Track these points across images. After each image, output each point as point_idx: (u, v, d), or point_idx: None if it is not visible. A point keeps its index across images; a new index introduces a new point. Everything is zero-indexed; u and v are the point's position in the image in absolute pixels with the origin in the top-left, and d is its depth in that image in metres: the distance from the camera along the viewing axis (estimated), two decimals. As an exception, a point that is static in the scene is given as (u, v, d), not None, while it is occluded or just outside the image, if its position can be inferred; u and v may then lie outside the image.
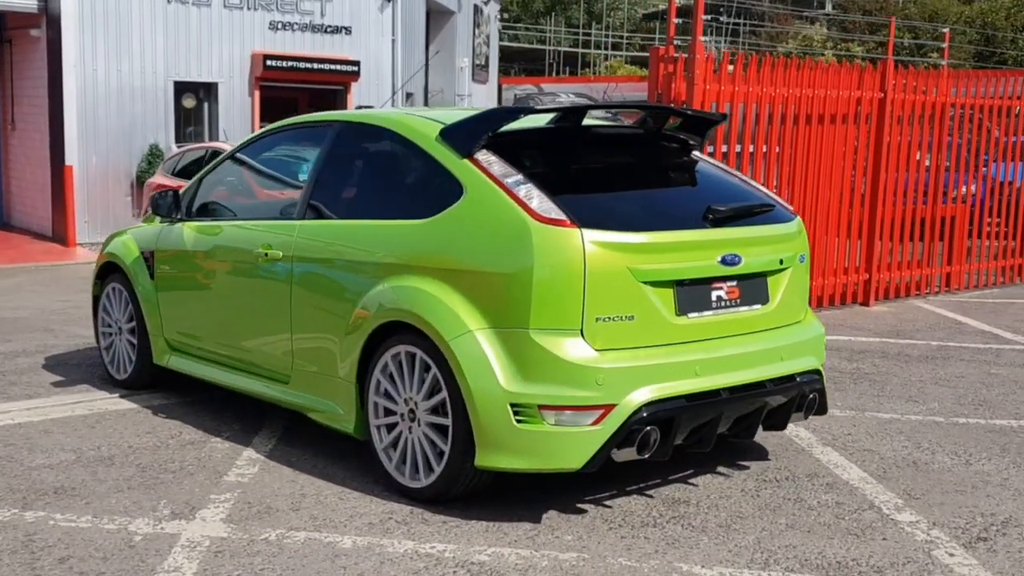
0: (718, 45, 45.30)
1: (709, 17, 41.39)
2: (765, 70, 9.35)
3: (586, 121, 4.94)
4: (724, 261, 4.59)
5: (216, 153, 12.96)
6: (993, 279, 11.91)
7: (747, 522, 4.47)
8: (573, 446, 4.25)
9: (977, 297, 11.17)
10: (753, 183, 5.36)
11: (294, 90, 17.56)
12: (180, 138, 16.25)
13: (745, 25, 48.69)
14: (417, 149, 4.87)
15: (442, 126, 4.83)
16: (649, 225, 4.46)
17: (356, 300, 4.85)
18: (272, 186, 6.09)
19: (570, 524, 4.40)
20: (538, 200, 4.35)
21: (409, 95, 19.91)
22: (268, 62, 16.61)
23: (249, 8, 16.63)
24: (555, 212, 4.31)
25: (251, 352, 5.62)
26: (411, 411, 4.63)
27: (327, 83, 17.60)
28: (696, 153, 5.40)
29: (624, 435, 4.26)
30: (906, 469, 5.25)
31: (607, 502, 4.67)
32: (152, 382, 6.55)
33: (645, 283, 4.37)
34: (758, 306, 4.80)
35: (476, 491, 4.56)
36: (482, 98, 27.40)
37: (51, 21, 15.28)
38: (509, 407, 4.25)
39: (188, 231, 6.07)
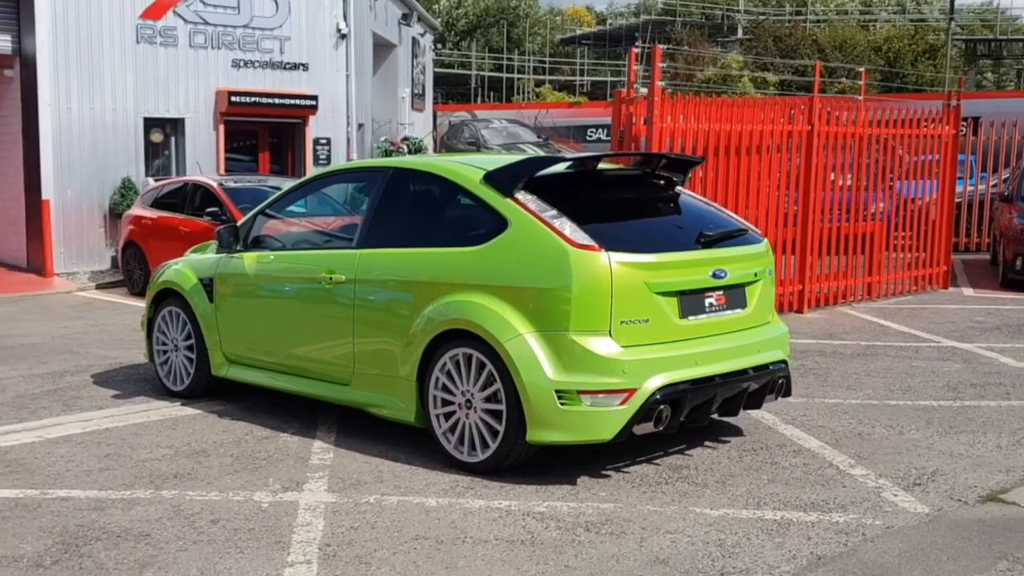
0: (639, 70, 47.13)
1: (629, 42, 43.16)
2: (711, 108, 10.70)
3: (603, 166, 6.16)
4: (714, 275, 5.85)
5: (196, 185, 13.91)
6: (907, 287, 13.44)
7: (738, 479, 5.71)
8: (605, 422, 5.45)
9: (895, 304, 12.66)
10: (727, 212, 6.64)
11: (256, 124, 18.52)
12: (149, 171, 17.08)
13: (666, 48, 50.69)
14: (464, 191, 6.03)
15: (484, 171, 6.00)
16: (658, 247, 5.70)
17: (415, 314, 5.98)
18: (327, 220, 7.18)
19: (600, 485, 5.59)
20: (571, 229, 5.55)
21: (360, 125, 20.96)
22: (232, 98, 17.55)
23: (213, 47, 17.56)
24: (587, 239, 5.51)
25: (312, 360, 6.69)
26: (468, 401, 5.77)
27: (287, 117, 18.61)
28: (679, 188, 6.66)
29: (644, 412, 5.47)
30: (854, 439, 6.55)
31: (625, 469, 5.86)
32: (206, 392, 7.55)
33: (657, 293, 5.60)
34: (739, 310, 6.06)
35: (521, 464, 5.71)
36: (420, 125, 28.56)
37: (25, 62, 16.03)
38: (554, 392, 5.43)
39: (250, 260, 7.12)
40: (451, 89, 53.57)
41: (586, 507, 5.23)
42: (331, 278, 6.47)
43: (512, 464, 5.69)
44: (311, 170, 18.75)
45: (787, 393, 6.41)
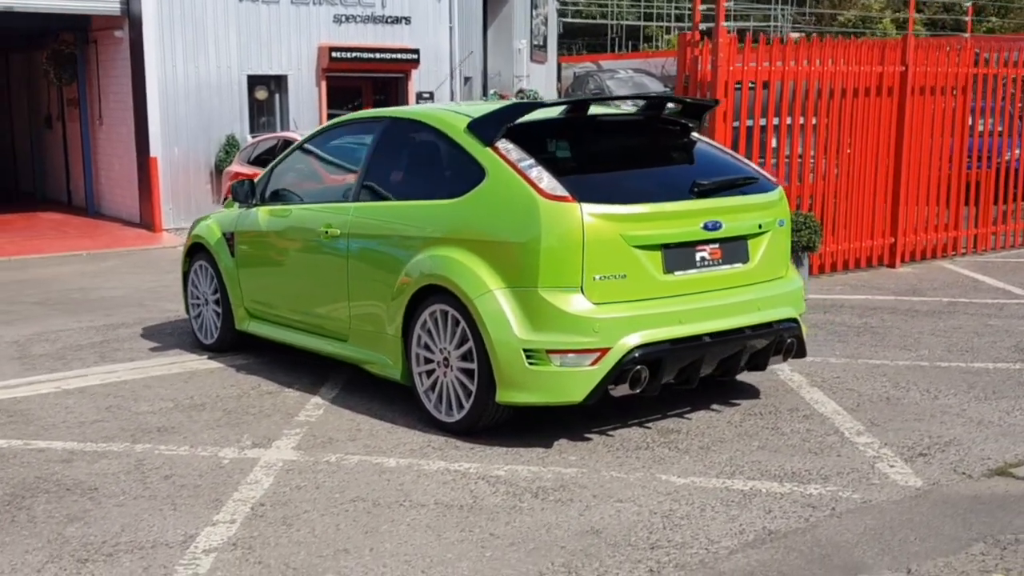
0: (783, 12, 45.38)
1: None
2: (787, 50, 10.07)
3: (592, 111, 5.81)
4: (706, 227, 5.45)
5: (288, 142, 14.03)
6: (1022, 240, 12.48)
7: (725, 445, 5.35)
8: (575, 383, 5.16)
9: (1002, 258, 11.76)
10: (741, 160, 6.18)
11: (358, 79, 18.61)
12: (254, 129, 17.40)
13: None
14: (449, 140, 5.79)
15: (470, 119, 5.74)
16: (639, 198, 5.34)
17: (400, 269, 5.80)
18: (333, 173, 7.07)
19: (576, 448, 5.32)
20: (546, 180, 5.25)
21: (467, 79, 20.83)
22: (333, 54, 17.66)
23: (315, 3, 17.68)
24: (560, 190, 5.20)
25: (317, 316, 6.61)
26: (445, 359, 5.57)
27: (388, 72, 18.62)
28: (695, 135, 6.24)
29: (618, 373, 5.16)
30: (878, 403, 6.06)
31: (610, 432, 5.57)
32: (234, 345, 7.59)
33: (635, 247, 5.25)
34: (739, 264, 5.65)
35: (500, 424, 5.49)
36: (541, 78, 28.21)
37: (133, 23, 16.50)
38: (522, 352, 5.18)
39: (263, 214, 7.09)
40: (592, 40, 52.81)
41: (548, 471, 4.99)
42: (327, 232, 6.36)
43: (487, 425, 5.48)
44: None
45: (799, 354, 5.97)
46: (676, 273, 5.41)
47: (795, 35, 9.82)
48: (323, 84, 17.92)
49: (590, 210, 5.17)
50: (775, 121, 10.22)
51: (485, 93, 22.43)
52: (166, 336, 8.34)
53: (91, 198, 18.88)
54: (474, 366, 5.38)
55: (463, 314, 5.41)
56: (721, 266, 5.58)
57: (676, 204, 5.43)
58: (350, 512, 4.51)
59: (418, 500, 4.64)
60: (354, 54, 17.93)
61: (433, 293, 5.61)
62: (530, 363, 5.18)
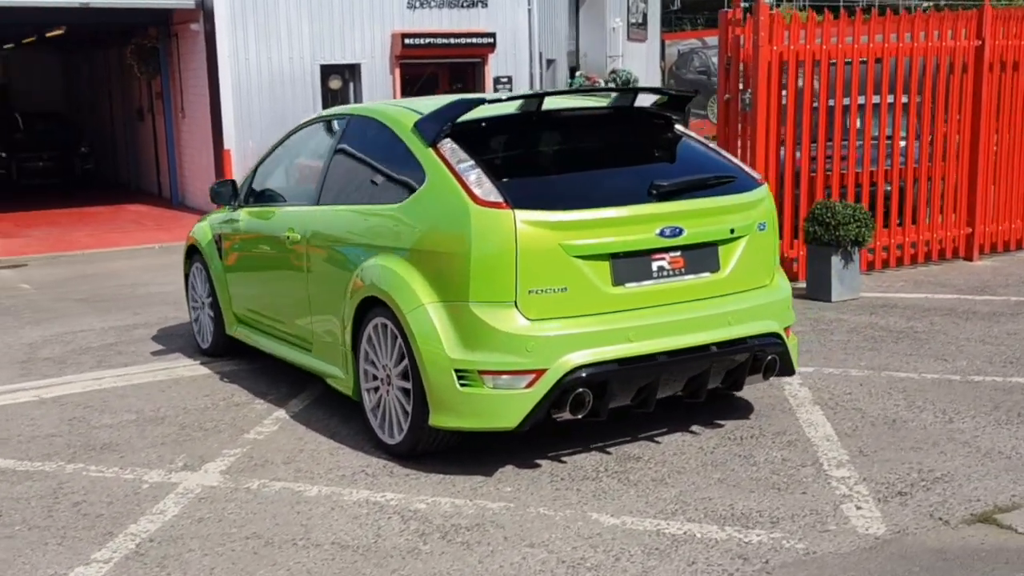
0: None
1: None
2: (840, 26, 9.29)
3: (551, 105, 5.30)
4: (663, 233, 4.90)
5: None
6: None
7: (682, 477, 4.81)
8: (509, 407, 4.70)
9: (1098, 247, 10.69)
10: (724, 156, 5.58)
11: (433, 65, 18.31)
12: (328, 118, 17.29)
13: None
14: (398, 139, 5.38)
15: (418, 117, 5.31)
16: (584, 203, 4.82)
17: (349, 278, 5.43)
18: (301, 174, 6.74)
19: (517, 477, 4.86)
20: (478, 184, 4.79)
21: (550, 62, 20.32)
22: (406, 40, 17.40)
23: (387, -11, 17.46)
24: (494, 195, 4.74)
25: (286, 324, 6.31)
26: (387, 376, 5.18)
27: (464, 57, 18.25)
28: (679, 129, 5.67)
29: (556, 397, 4.68)
30: (880, 427, 5.41)
31: (565, 457, 5.09)
32: (229, 350, 7.36)
33: (577, 257, 4.74)
34: (707, 274, 5.08)
35: (447, 448, 5.07)
36: (640, 57, 27.42)
37: (207, 15, 16.56)
38: (454, 372, 4.75)
39: (242, 216, 6.82)
40: (711, 16, 51.32)
41: (472, 505, 4.55)
42: (289, 237, 6.04)
43: (429, 449, 5.06)
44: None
45: (784, 372, 5.37)
46: (628, 285, 4.88)
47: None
48: (397, 72, 17.69)
49: (524, 217, 4.69)
50: (834, 103, 9.45)
51: (572, 76, 21.88)
52: (175, 339, 8.18)
53: (175, 190, 19.15)
54: (411, 385, 4.98)
55: (399, 329, 5.01)
56: (684, 276, 5.02)
57: (626, 209, 4.89)
58: (235, 552, 4.18)
59: (315, 539, 4.27)
60: (427, 40, 17.64)
61: (376, 305, 5.23)
62: (462, 384, 4.75)
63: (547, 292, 4.72)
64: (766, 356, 5.18)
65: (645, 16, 28.66)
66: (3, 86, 25.70)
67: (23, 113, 24.51)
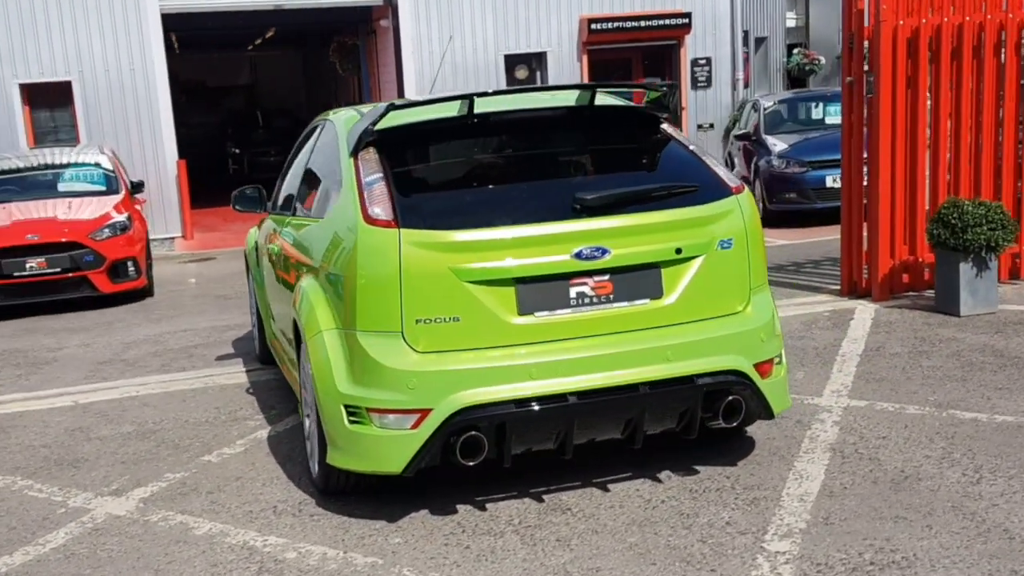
0: None
1: None
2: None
3: (487, 108, 4.69)
4: (580, 255, 4.22)
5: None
6: None
7: (592, 538, 4.13)
8: (395, 449, 4.21)
9: None
10: (703, 159, 4.74)
11: (624, 50, 17.62)
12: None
13: None
14: (336, 147, 4.98)
15: (355, 122, 4.89)
16: (486, 221, 4.23)
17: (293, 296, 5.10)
18: (294, 182, 6.45)
19: (419, 526, 4.36)
20: (377, 200, 4.31)
21: (760, 40, 19.08)
22: (592, 25, 16.85)
23: (573, -26, 16.96)
24: (384, 213, 4.25)
25: (278, 336, 6.08)
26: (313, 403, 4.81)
27: (656, 40, 17.45)
28: (666, 128, 4.92)
29: (443, 440, 4.14)
30: (880, 486, 4.46)
31: (491, 504, 4.53)
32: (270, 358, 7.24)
33: (471, 283, 4.17)
34: (645, 301, 4.34)
35: (365, 488, 4.63)
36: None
37: (393, 11, 16.73)
38: (343, 408, 4.31)
39: (265, 224, 6.66)
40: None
41: (339, 559, 4.10)
42: (269, 248, 5.82)
43: (340, 488, 4.64)
44: (687, 96, 17.53)
45: (760, 415, 4.53)
46: (538, 315, 4.24)
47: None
48: (584, 59, 17.17)
49: (412, 238, 4.17)
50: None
51: (789, 55, 20.46)
52: (247, 343, 8.17)
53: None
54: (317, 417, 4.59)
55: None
56: (613, 304, 4.31)
57: (535, 227, 4.23)
58: (64, 596, 3.96)
59: (151, 587, 3.99)
60: (616, 24, 17.00)
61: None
62: (351, 421, 4.30)
63: (437, 322, 4.18)
64: (726, 397, 4.38)
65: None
66: (249, 86, 27.33)
67: (263, 111, 26.00)
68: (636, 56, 17.87)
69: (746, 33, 18.80)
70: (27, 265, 10.27)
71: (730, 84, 17.86)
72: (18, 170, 12.23)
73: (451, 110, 4.70)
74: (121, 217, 10.93)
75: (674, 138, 4.86)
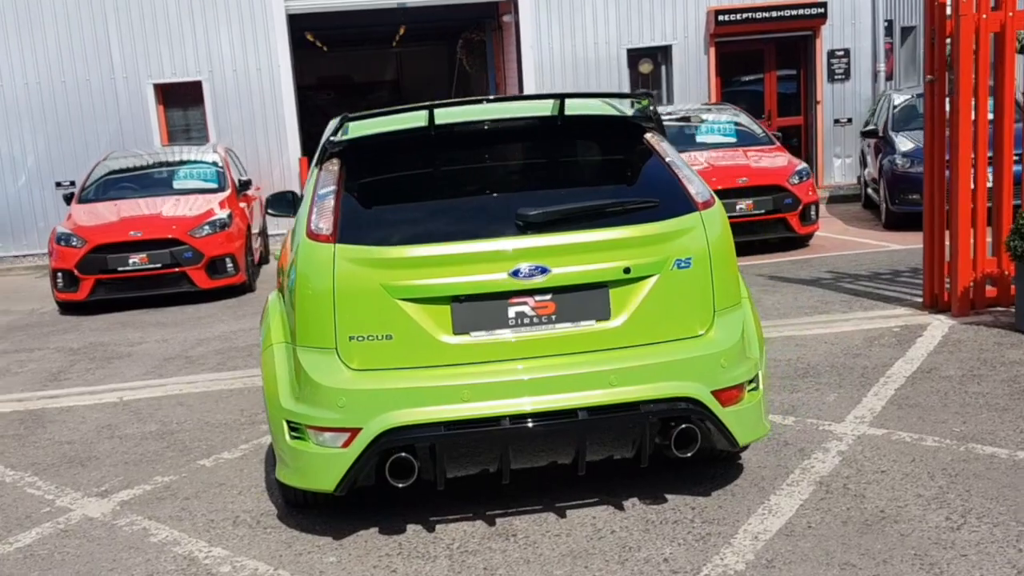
0: None
1: None
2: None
3: (449, 120, 4.54)
4: (518, 273, 4.05)
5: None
6: None
7: (521, 568, 3.96)
8: (328, 467, 4.15)
9: None
10: (677, 172, 4.45)
11: (755, 42, 17.01)
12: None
13: None
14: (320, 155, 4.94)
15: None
16: (420, 238, 4.11)
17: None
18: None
19: (362, 546, 4.28)
20: (324, 215, 4.27)
21: (907, 29, 18.07)
22: (720, 17, 16.34)
23: (700, -35, 16.49)
24: (325, 226, 4.21)
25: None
26: (282, 415, 4.81)
27: (788, 31, 16.76)
28: (650, 138, 4.65)
29: (372, 460, 4.06)
30: (848, 528, 4.10)
31: (441, 525, 4.41)
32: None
33: (403, 300, 4.06)
34: (591, 322, 4.13)
35: (323, 502, 4.60)
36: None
37: (515, 5, 16.69)
38: (285, 424, 4.28)
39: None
40: None
41: (266, 573, 4.08)
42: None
43: (300, 502, 4.61)
44: (822, 89, 16.82)
45: (727, 445, 4.25)
46: (474, 334, 4.09)
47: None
48: (711, 52, 16.68)
49: (346, 253, 4.10)
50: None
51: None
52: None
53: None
54: (279, 431, 4.58)
55: (272, 368, 4.62)
56: (556, 325, 4.12)
57: (471, 244, 4.08)
58: (-1, 599, 4.09)
59: (81, 594, 4.06)
60: (746, 15, 16.44)
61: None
62: (292, 437, 4.27)
63: (370, 339, 4.09)
64: (678, 426, 4.12)
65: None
66: (394, 81, 27.83)
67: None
68: (768, 48, 17.23)
69: (890, 23, 17.84)
70: (130, 260, 10.75)
71: (871, 76, 17.00)
72: (136, 168, 12.81)
73: (413, 121, 4.58)
74: (222, 214, 11.29)
75: (653, 150, 4.59)
